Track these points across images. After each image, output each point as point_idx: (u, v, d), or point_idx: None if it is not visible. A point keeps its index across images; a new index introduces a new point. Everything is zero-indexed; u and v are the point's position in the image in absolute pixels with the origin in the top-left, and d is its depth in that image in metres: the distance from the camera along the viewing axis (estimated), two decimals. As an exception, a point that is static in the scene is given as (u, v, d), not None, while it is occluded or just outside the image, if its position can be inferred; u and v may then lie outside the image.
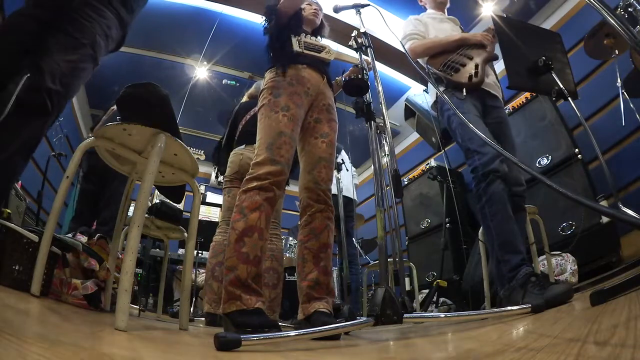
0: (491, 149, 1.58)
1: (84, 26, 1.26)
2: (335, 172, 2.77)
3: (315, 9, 1.77)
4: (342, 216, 2.67)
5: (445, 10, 2.20)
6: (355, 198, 3.42)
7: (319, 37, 1.77)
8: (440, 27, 2.06)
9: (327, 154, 1.53)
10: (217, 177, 2.48)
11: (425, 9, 2.24)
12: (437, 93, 1.91)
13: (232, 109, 2.56)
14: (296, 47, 1.56)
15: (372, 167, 1.30)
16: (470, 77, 1.78)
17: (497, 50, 1.86)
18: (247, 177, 1.34)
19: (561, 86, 1.47)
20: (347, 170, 3.07)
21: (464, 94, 1.75)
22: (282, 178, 1.34)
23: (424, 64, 1.96)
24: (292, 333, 0.99)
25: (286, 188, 2.06)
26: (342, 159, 3.07)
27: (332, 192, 2.72)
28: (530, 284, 1.34)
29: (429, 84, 2.11)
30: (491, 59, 1.88)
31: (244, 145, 2.21)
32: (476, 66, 1.81)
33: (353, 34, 1.57)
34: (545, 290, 1.26)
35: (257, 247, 1.23)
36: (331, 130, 1.58)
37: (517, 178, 1.70)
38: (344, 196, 3.07)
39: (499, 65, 1.97)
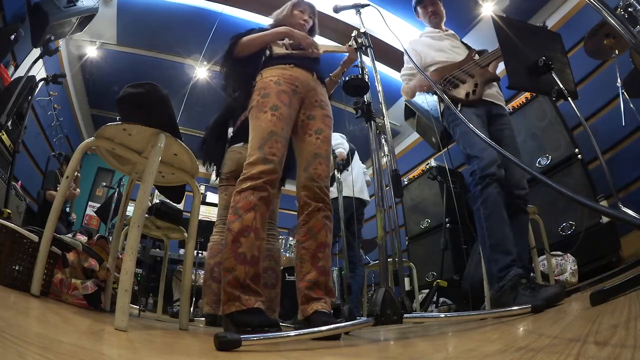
0: (489, 154, 1.63)
1: None
2: (336, 173, 2.76)
3: (304, 20, 1.78)
4: (342, 216, 2.66)
5: (443, 26, 2.22)
6: (368, 199, 3.36)
7: None
8: (440, 46, 2.09)
9: (322, 150, 1.51)
10: (205, 167, 2.33)
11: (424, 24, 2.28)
12: (441, 104, 2.00)
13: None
14: (281, 50, 1.56)
15: (372, 167, 1.30)
16: (467, 94, 1.83)
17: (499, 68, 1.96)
18: (240, 178, 1.34)
19: (561, 86, 1.47)
20: (348, 170, 3.05)
21: (459, 108, 1.81)
22: (275, 177, 1.35)
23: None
24: (292, 333, 0.99)
25: (286, 187, 2.06)
26: (343, 159, 3.04)
27: (345, 195, 2.66)
28: (522, 286, 1.35)
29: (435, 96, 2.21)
30: (492, 79, 1.94)
31: (242, 143, 2.11)
32: (475, 85, 1.86)
33: (353, 34, 1.57)
34: (536, 292, 1.27)
35: (254, 247, 1.23)
36: (325, 126, 1.56)
37: (520, 181, 1.73)
38: (356, 198, 3.08)
39: (499, 65, 1.98)
